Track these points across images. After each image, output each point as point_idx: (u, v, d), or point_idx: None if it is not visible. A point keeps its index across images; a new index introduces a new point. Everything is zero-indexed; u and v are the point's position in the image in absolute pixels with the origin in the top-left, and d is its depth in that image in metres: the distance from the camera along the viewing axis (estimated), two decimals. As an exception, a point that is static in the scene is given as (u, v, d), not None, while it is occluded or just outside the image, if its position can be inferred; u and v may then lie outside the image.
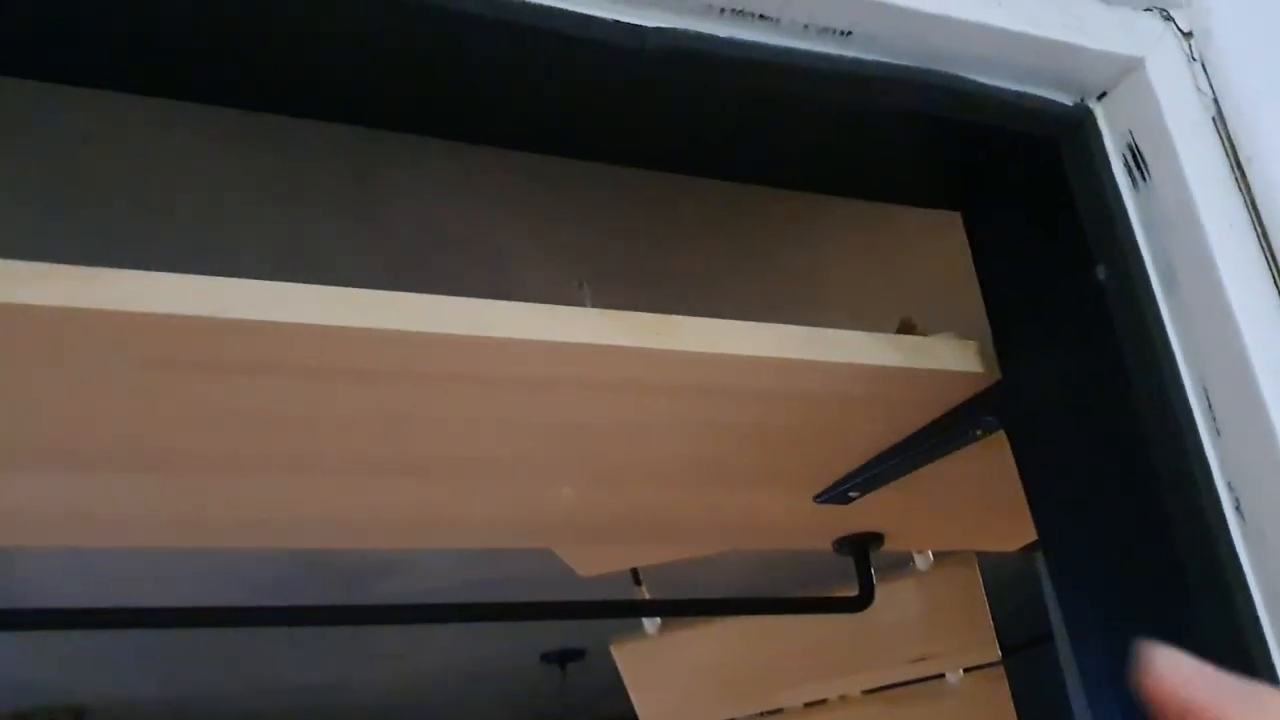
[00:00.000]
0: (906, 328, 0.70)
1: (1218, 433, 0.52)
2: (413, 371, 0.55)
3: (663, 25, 0.50)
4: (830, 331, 0.63)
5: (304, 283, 0.54)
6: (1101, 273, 0.57)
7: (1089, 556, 0.61)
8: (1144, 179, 0.57)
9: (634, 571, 1.11)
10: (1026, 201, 0.63)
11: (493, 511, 0.77)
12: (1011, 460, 0.66)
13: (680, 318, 0.59)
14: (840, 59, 0.54)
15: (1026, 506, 0.65)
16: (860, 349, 0.64)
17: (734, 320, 0.61)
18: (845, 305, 1.14)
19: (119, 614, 0.80)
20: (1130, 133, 0.57)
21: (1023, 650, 2.08)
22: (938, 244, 1.08)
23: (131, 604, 0.87)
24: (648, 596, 1.11)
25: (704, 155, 0.69)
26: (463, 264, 1.01)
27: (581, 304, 1.03)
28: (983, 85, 0.57)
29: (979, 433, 0.70)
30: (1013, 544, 1.04)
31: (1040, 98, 0.58)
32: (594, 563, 0.95)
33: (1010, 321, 0.65)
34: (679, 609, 1.13)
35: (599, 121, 0.64)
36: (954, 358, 0.66)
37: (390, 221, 0.96)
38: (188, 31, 0.54)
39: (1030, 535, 1.00)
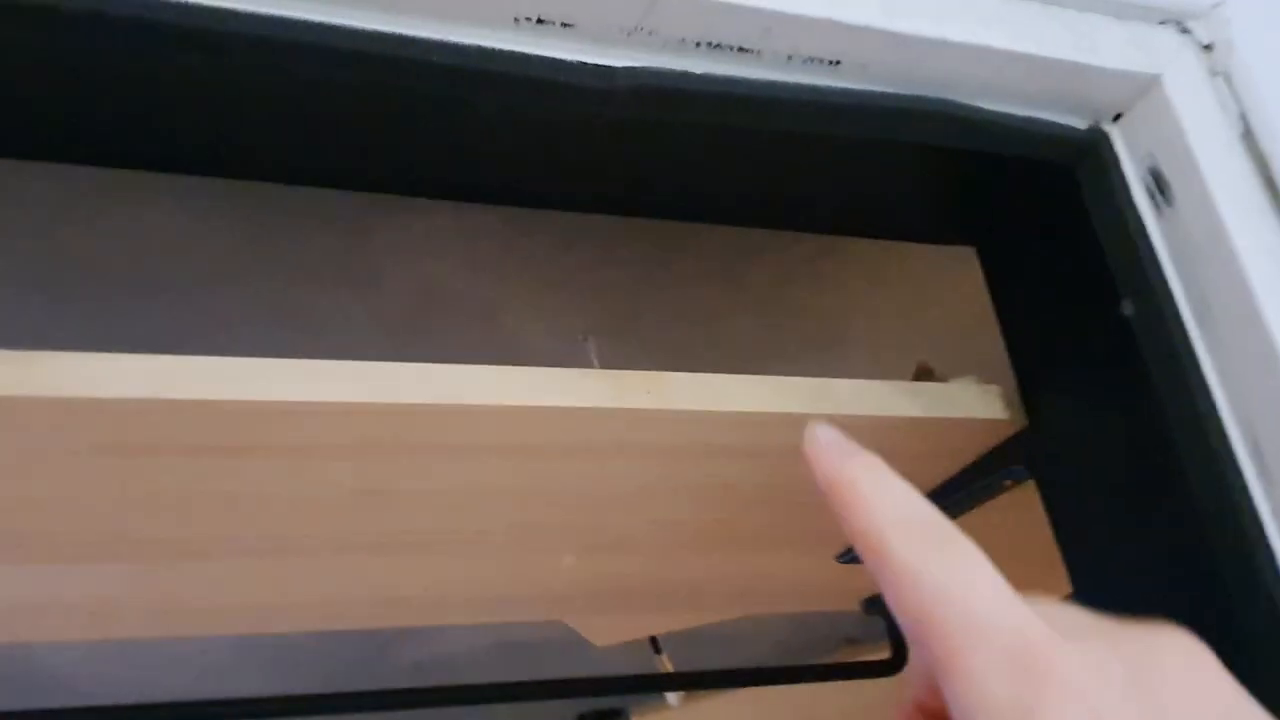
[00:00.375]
0: (924, 373, 0.65)
1: (1269, 479, 0.47)
2: (380, 444, 0.52)
3: (632, 65, 0.47)
4: (839, 382, 0.59)
5: (296, 354, 0.51)
6: (1129, 307, 0.52)
7: (1126, 610, 0.56)
8: (1168, 204, 0.52)
9: (653, 640, 1.05)
10: (1044, 233, 0.59)
11: (489, 586, 0.73)
12: (1043, 510, 0.61)
13: (670, 374, 0.55)
14: (829, 90, 0.50)
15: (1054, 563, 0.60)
16: (874, 399, 0.59)
17: (731, 374, 0.57)
18: (864, 347, 1.09)
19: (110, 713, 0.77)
20: (1151, 155, 0.53)
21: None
22: (954, 281, 1.04)
23: (139, 695, 0.83)
24: (669, 666, 1.06)
25: (700, 200, 0.65)
26: (463, 323, 0.98)
27: (586, 357, 1.00)
28: (986, 112, 0.52)
29: (1008, 484, 0.65)
30: (1051, 598, 0.98)
31: (1050, 123, 0.54)
32: (608, 632, 0.90)
33: (1035, 363, 0.60)
34: (699, 682, 1.07)
35: (583, 171, 0.61)
36: (977, 404, 0.61)
37: (385, 284, 0.93)
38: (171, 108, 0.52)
39: (1069, 588, 0.95)
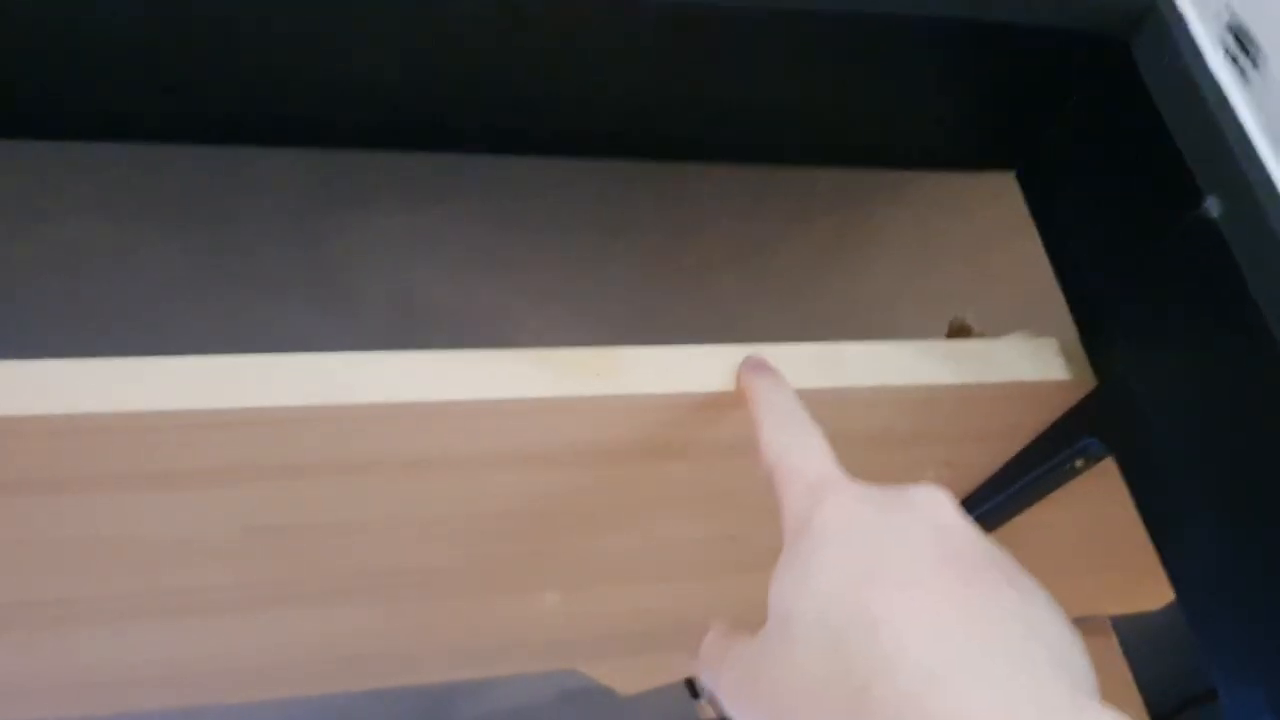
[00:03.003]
0: (959, 330, 0.52)
1: None
2: (240, 467, 0.40)
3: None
4: (847, 346, 0.46)
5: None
6: (1214, 206, 0.39)
7: (1239, 603, 0.42)
8: (1255, 66, 0.39)
9: (689, 683, 0.92)
10: (1099, 137, 0.46)
11: (465, 636, 0.61)
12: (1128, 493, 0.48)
13: (626, 349, 0.43)
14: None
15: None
16: (896, 365, 0.46)
17: (706, 344, 0.45)
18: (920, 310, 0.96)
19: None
20: (1228, 7, 0.40)
21: (1175, 717, 1.81)
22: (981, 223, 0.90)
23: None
24: (710, 713, 0.92)
25: (719, 134, 0.53)
26: (450, 339, 0.87)
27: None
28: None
29: (1080, 464, 0.51)
30: (1151, 601, 0.83)
31: (1089, -19, 0.41)
32: (631, 679, 0.78)
33: (1099, 304, 0.47)
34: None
35: (578, 100, 0.49)
36: (1029, 363, 0.48)
37: (355, 296, 0.82)
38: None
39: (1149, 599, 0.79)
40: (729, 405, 0.44)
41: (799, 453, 0.36)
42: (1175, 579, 0.45)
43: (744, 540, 0.57)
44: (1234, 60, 0.40)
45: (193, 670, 0.59)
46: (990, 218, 0.88)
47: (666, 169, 0.82)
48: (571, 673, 1.61)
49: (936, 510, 0.32)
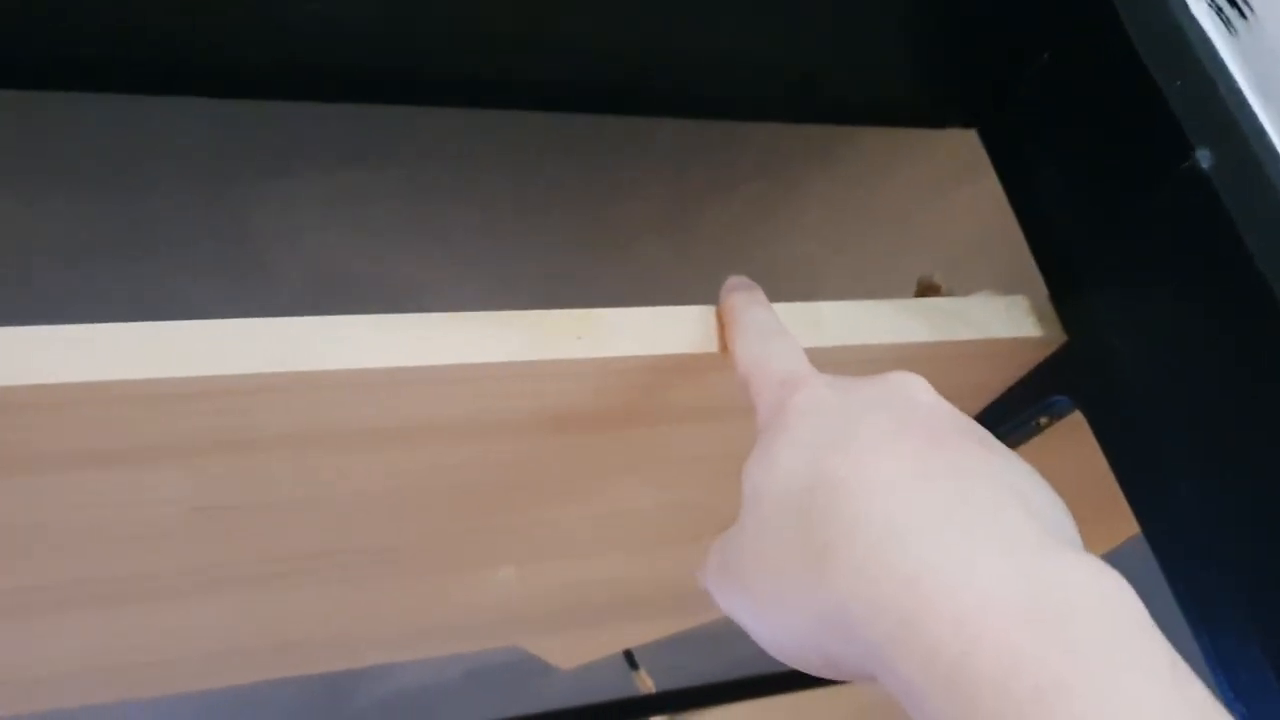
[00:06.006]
0: (928, 289, 0.52)
1: None
2: (215, 440, 0.37)
3: None
4: (817, 306, 0.45)
5: None
6: (1206, 158, 0.39)
7: (1212, 552, 0.43)
8: (1242, 15, 0.39)
9: (628, 655, 0.91)
10: (1075, 88, 0.46)
11: (415, 615, 0.58)
12: (1087, 447, 0.48)
13: (604, 310, 0.41)
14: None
15: (1107, 504, 0.47)
16: (866, 324, 0.46)
17: (680, 305, 0.43)
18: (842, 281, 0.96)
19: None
20: (1212, -43, 0.40)
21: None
22: (942, 211, 0.91)
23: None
24: (649, 682, 0.91)
25: (640, 80, 0.50)
26: (365, 306, 0.83)
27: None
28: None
29: (1044, 421, 0.51)
30: (1096, 549, 0.85)
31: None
32: (573, 653, 0.76)
33: (1071, 259, 0.47)
34: (683, 702, 0.93)
35: (490, 47, 0.46)
36: (1000, 321, 0.48)
37: (272, 269, 0.78)
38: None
39: (1115, 539, 0.81)
40: (707, 368, 0.42)
41: (775, 356, 0.36)
42: (1149, 531, 0.46)
43: (700, 508, 0.55)
44: (1219, 10, 0.39)
45: (125, 663, 0.54)
46: (914, 177, 0.89)
47: (590, 131, 0.80)
48: (483, 652, 1.58)
49: (909, 385, 0.33)
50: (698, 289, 0.93)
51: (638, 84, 0.46)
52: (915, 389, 0.33)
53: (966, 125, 0.51)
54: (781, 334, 0.38)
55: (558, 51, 0.42)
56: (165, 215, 0.73)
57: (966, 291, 0.51)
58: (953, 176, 0.88)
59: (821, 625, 0.27)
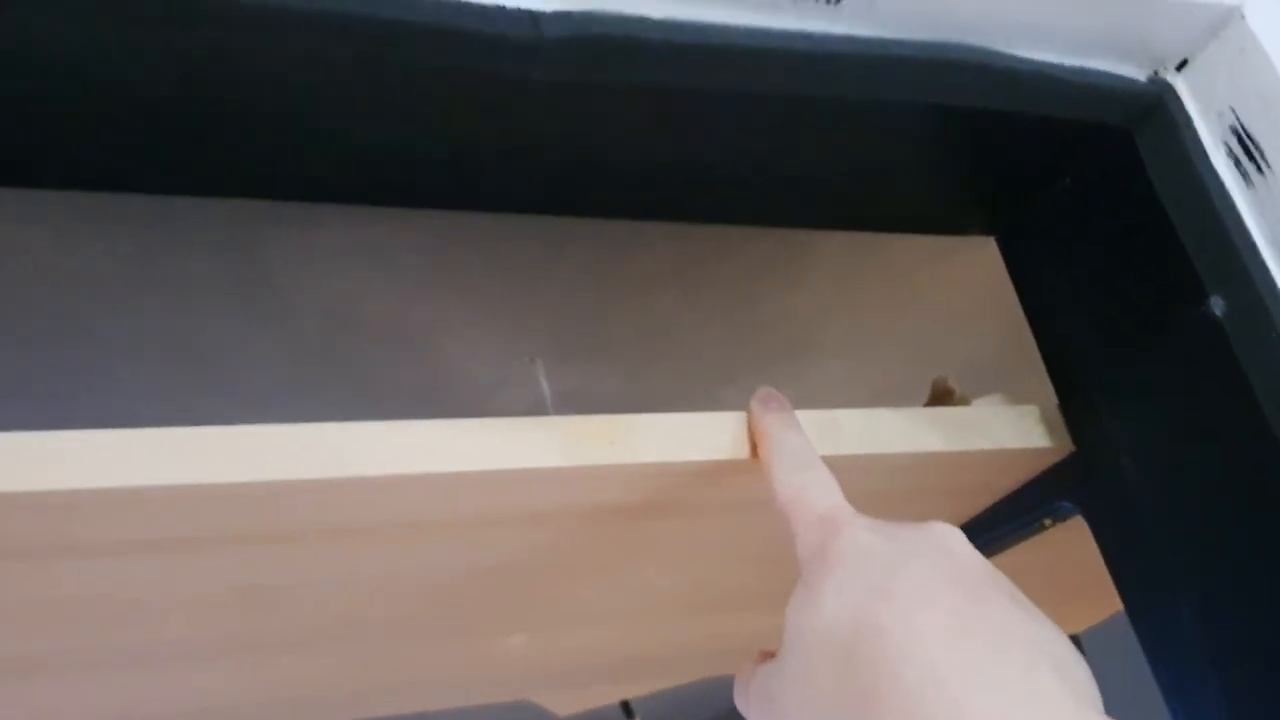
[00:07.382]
0: (943, 394, 0.54)
1: None
2: (241, 535, 0.39)
3: (564, 8, 0.34)
4: (835, 414, 0.47)
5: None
6: (1218, 305, 0.40)
7: (1210, 668, 0.45)
8: (1259, 170, 0.41)
9: (624, 705, 0.93)
10: (1093, 215, 0.47)
11: (430, 671, 0.60)
12: (1077, 544, 0.50)
13: (635, 417, 0.43)
14: (826, 38, 0.38)
15: (1088, 590, 0.50)
16: (883, 433, 0.47)
17: (706, 412, 0.44)
18: (841, 353, 0.98)
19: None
20: (1232, 111, 0.41)
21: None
22: (938, 276, 0.92)
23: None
24: (643, 731, 0.94)
25: (661, 192, 0.53)
26: (385, 350, 0.84)
27: (535, 382, 0.87)
28: (1027, 63, 0.41)
29: (1049, 522, 0.53)
30: (1068, 628, 0.87)
31: (1104, 74, 0.42)
32: (573, 703, 0.78)
33: (1083, 377, 0.48)
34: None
35: (511, 161, 0.48)
36: (1012, 431, 0.49)
37: (289, 307, 0.79)
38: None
39: (1087, 620, 0.84)
40: (737, 472, 0.44)
41: (812, 490, 0.38)
42: (1145, 640, 0.47)
43: (715, 585, 0.57)
44: (1237, 163, 0.41)
45: (157, 713, 0.56)
46: (921, 241, 0.90)
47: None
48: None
49: (947, 538, 0.34)
50: (708, 336, 0.95)
51: (678, 197, 0.48)
52: (952, 541, 0.34)
53: (986, 233, 0.53)
54: (816, 464, 0.39)
55: (608, 176, 0.44)
56: (191, 255, 0.74)
57: (975, 396, 0.52)
58: (959, 239, 0.90)
59: None
